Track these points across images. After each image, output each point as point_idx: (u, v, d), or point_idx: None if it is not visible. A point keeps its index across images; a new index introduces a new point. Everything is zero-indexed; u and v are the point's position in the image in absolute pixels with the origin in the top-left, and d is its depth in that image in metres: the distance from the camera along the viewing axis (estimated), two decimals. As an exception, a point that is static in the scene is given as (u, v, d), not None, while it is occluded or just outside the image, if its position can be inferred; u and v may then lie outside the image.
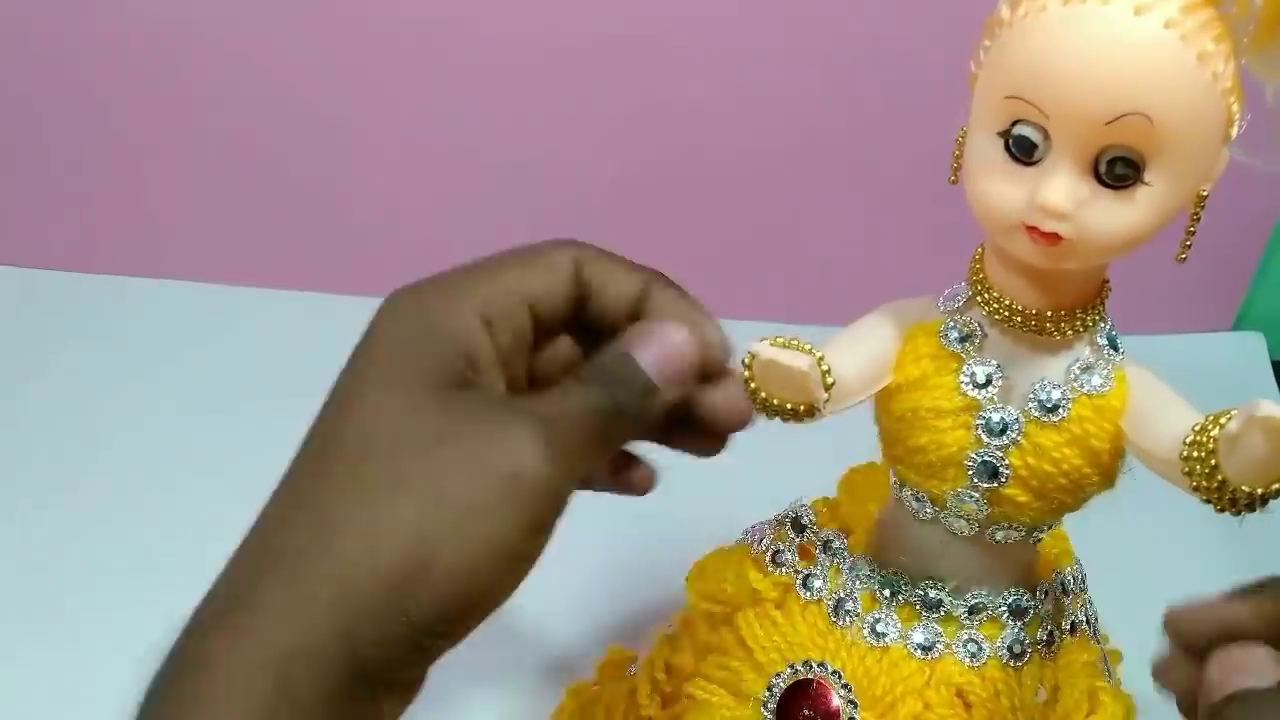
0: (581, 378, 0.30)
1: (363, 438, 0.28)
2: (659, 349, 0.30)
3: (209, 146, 0.73)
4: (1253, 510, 0.27)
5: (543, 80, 0.69)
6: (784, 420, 0.30)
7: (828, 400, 0.30)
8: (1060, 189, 0.27)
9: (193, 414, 0.69)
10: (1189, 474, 0.27)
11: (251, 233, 0.76)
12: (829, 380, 0.29)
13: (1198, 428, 0.28)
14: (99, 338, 0.73)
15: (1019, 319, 0.30)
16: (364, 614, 0.26)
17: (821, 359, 0.29)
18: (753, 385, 0.29)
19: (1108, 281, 0.31)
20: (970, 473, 0.31)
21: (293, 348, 0.73)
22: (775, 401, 0.29)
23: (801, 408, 0.29)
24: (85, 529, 0.62)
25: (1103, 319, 0.31)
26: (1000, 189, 0.28)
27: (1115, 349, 0.31)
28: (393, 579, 0.26)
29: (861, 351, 0.32)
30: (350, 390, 0.29)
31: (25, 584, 0.60)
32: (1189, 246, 0.29)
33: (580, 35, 0.67)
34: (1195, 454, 0.27)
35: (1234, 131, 0.28)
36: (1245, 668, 0.28)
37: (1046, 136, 0.27)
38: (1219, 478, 0.27)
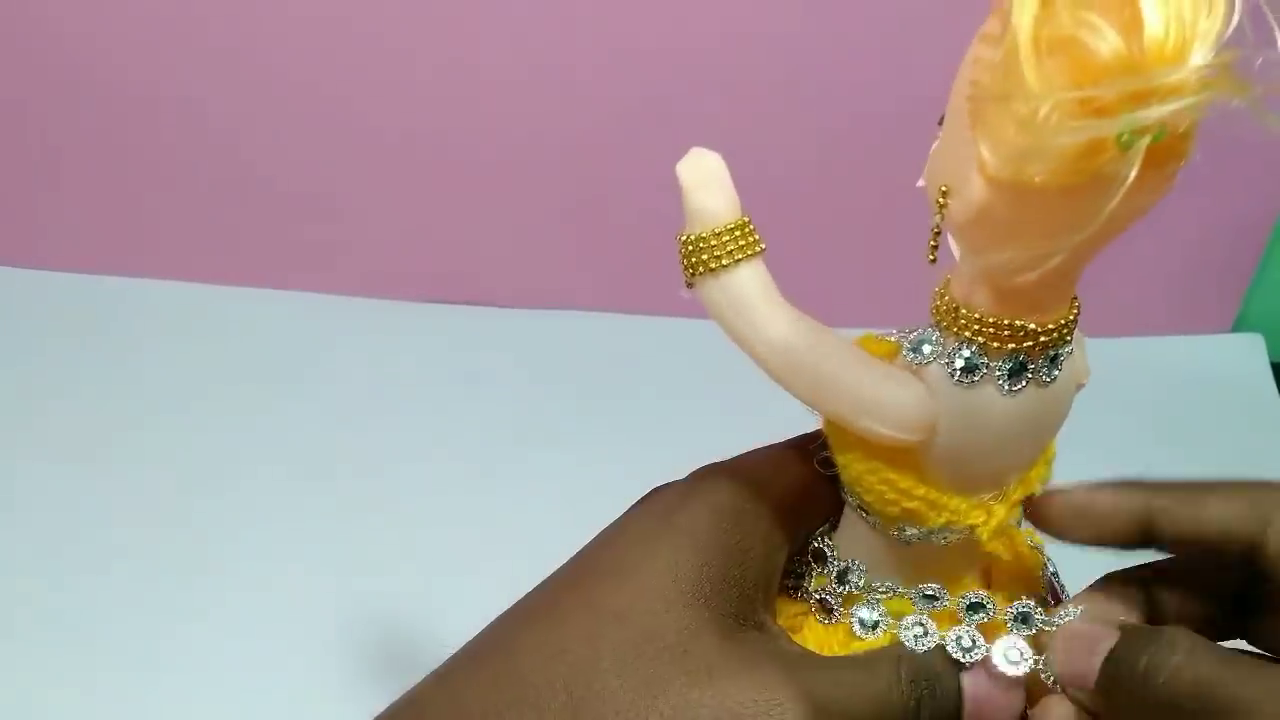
0: (889, 662, 0.28)
1: (640, 635, 0.27)
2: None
3: (209, 147, 0.73)
4: None
5: (539, 79, 0.69)
6: None
7: None
8: None
9: (192, 414, 0.69)
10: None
11: (251, 233, 0.76)
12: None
13: None
14: (99, 338, 0.73)
15: None
16: None
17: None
18: None
19: None
20: None
21: (293, 348, 0.73)
22: None
23: None
24: (85, 529, 0.62)
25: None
26: None
27: None
28: None
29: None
30: (640, 566, 0.28)
31: (24, 584, 0.60)
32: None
33: (578, 35, 0.67)
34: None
35: None
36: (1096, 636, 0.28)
37: None
38: None
